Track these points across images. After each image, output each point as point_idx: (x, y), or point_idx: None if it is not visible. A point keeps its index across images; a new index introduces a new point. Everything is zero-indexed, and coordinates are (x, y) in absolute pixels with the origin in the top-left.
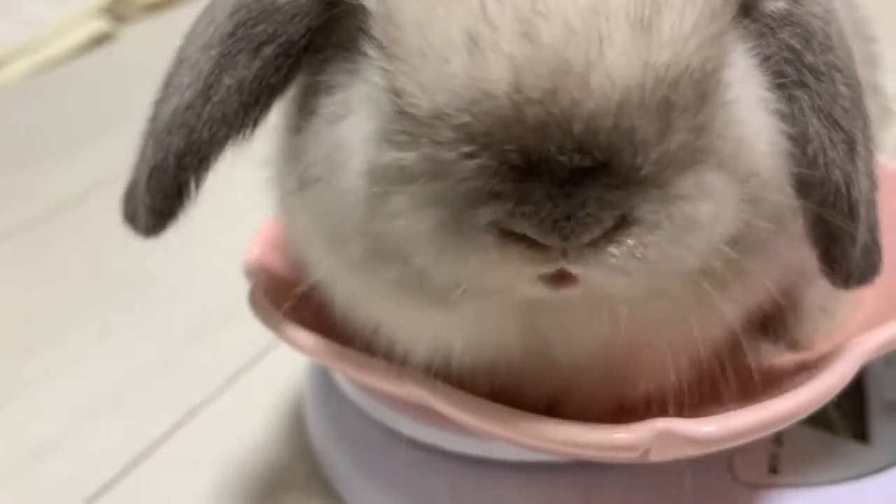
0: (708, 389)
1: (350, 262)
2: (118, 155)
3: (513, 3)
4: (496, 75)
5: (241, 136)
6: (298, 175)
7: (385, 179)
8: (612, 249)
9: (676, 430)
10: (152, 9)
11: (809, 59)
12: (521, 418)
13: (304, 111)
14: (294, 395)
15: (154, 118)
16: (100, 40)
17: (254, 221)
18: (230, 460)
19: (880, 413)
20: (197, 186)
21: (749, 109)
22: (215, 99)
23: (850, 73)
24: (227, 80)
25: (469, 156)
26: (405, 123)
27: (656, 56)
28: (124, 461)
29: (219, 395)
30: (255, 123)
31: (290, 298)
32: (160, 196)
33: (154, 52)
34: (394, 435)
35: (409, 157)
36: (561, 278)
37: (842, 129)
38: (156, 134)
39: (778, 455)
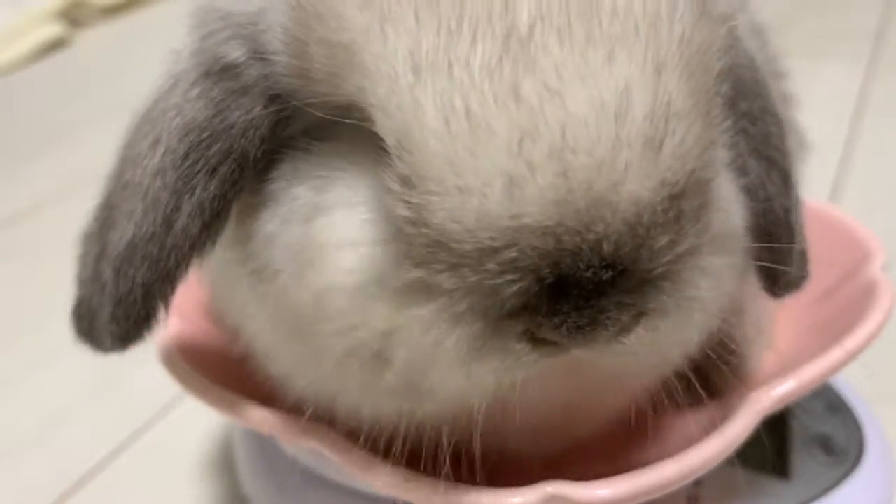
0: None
1: (317, 354)
2: (66, 170)
3: (544, 139)
4: (538, 213)
5: (205, 251)
6: (253, 266)
7: (404, 295)
8: (623, 339)
9: (565, 493)
10: (109, 12)
11: (744, 105)
12: (416, 481)
13: (254, 203)
14: (224, 429)
15: (102, 242)
16: (55, 45)
17: None
18: (159, 497)
19: (802, 447)
20: (166, 309)
21: (724, 178)
22: (178, 226)
23: (776, 113)
24: (187, 206)
25: (512, 282)
26: (439, 252)
27: (670, 175)
28: (51, 498)
29: (149, 428)
30: (218, 235)
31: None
32: (128, 325)
33: (110, 59)
34: (320, 477)
35: (444, 279)
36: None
37: (776, 165)
38: (113, 264)
39: (697, 496)
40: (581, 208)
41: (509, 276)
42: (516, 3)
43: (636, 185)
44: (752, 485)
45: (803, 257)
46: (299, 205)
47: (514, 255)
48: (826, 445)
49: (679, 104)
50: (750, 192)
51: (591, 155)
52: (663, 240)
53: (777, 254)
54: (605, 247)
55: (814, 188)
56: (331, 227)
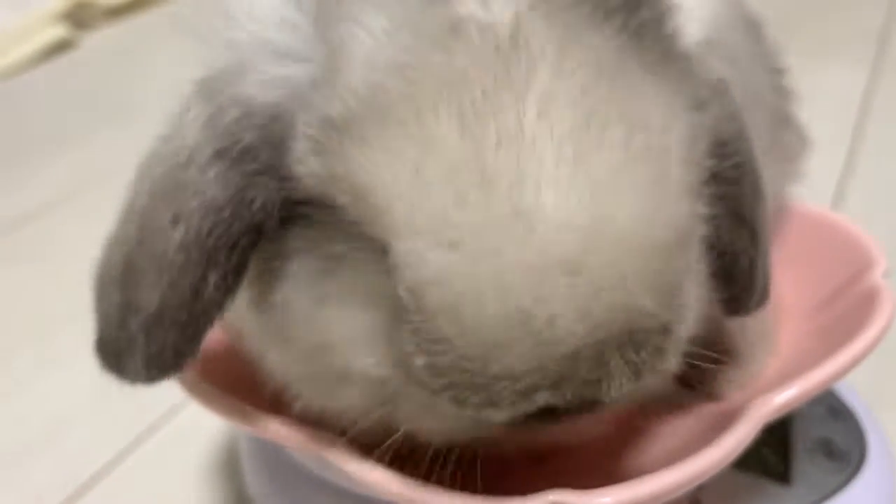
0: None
1: (315, 381)
2: (72, 173)
3: (538, 329)
4: (531, 379)
5: (227, 307)
6: (269, 312)
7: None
8: None
9: (568, 502)
10: (114, 14)
11: (717, 164)
12: (421, 488)
13: (266, 257)
14: (230, 432)
15: (127, 297)
16: (59, 47)
17: None
18: (164, 499)
19: (804, 452)
20: (194, 359)
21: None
22: (205, 297)
23: (752, 164)
24: (212, 277)
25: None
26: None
27: (640, 323)
28: (58, 500)
29: (155, 431)
30: (237, 292)
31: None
32: (160, 374)
33: (116, 61)
34: (325, 481)
35: (445, 397)
36: None
37: (746, 222)
38: (143, 327)
39: (699, 500)
40: (565, 380)
41: (503, 407)
42: (524, 181)
43: (613, 368)
44: (754, 489)
45: (764, 291)
46: (310, 280)
47: (515, 401)
48: (828, 450)
49: (653, 310)
50: (717, 245)
51: (573, 346)
52: (626, 382)
53: (737, 295)
54: (586, 392)
55: (816, 193)
56: (340, 321)
